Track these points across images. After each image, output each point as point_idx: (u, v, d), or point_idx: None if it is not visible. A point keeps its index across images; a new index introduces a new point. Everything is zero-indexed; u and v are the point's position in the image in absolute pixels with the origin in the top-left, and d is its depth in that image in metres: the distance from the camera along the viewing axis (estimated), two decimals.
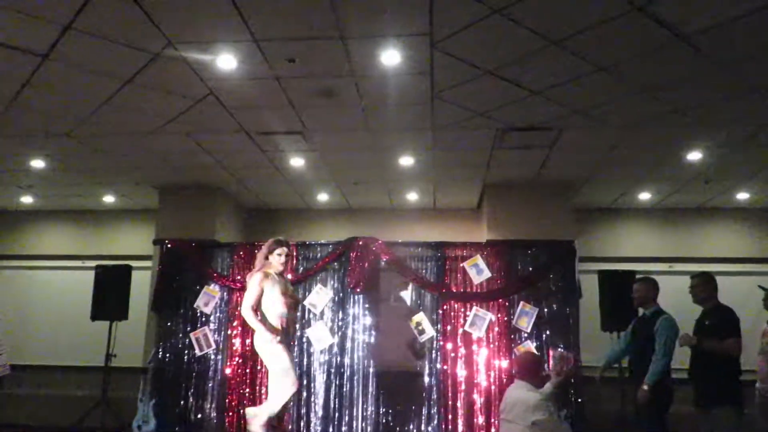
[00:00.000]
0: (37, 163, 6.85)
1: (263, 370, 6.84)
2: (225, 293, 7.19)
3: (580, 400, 6.43)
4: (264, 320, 4.77)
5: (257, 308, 4.78)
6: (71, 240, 8.86)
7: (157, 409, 6.72)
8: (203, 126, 5.80)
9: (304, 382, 6.72)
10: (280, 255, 4.92)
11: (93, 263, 7.70)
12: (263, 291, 4.81)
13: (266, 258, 4.95)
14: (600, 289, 7.03)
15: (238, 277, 7.15)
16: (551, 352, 6.03)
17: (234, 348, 6.97)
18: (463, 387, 6.62)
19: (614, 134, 5.77)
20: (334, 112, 5.46)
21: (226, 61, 4.54)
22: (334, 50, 4.36)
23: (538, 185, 7.27)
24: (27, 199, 8.37)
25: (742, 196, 7.59)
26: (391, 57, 4.44)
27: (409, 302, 6.85)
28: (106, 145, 6.31)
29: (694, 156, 6.26)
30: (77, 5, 3.82)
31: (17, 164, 6.91)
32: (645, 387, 4.66)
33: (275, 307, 4.80)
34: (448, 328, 6.79)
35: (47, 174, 7.23)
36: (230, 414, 6.82)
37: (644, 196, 7.72)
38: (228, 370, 6.93)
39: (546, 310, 6.73)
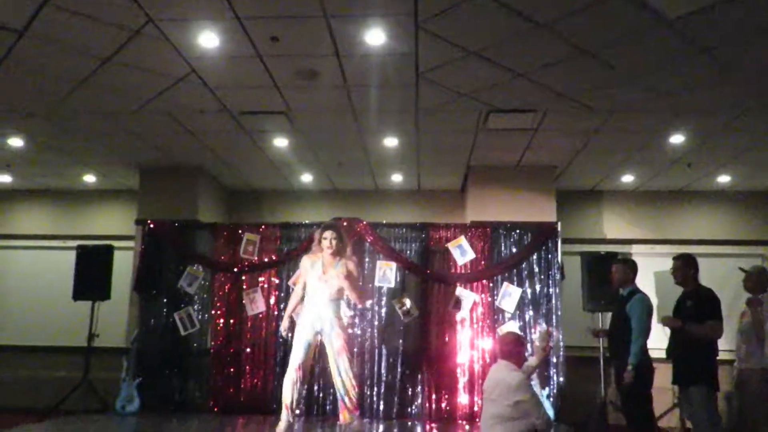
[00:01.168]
0: (15, 142, 6.72)
1: (247, 350, 6.89)
2: (208, 273, 7.15)
3: (561, 379, 6.52)
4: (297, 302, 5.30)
5: (301, 288, 5.25)
6: (51, 220, 8.73)
7: (141, 389, 6.70)
8: (185, 105, 5.72)
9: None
10: (325, 239, 5.18)
11: (74, 243, 7.63)
12: (303, 272, 5.26)
13: (319, 243, 5.23)
14: (582, 271, 7.11)
15: (222, 258, 7.12)
16: (537, 328, 6.09)
17: (219, 328, 6.96)
18: (446, 367, 6.67)
19: (598, 117, 5.77)
20: (318, 92, 5.41)
21: (208, 39, 4.47)
22: (317, 29, 4.30)
23: (522, 167, 7.29)
24: (5, 178, 8.22)
25: (723, 179, 7.65)
26: (375, 37, 4.39)
27: (392, 283, 6.87)
28: (86, 125, 6.20)
29: (677, 139, 6.29)
30: None
31: None
32: (629, 368, 4.69)
33: (309, 289, 5.20)
34: (432, 308, 6.84)
35: (25, 153, 7.10)
36: (214, 393, 6.83)
37: (627, 178, 7.75)
38: (212, 350, 6.93)
39: (529, 291, 6.80)
